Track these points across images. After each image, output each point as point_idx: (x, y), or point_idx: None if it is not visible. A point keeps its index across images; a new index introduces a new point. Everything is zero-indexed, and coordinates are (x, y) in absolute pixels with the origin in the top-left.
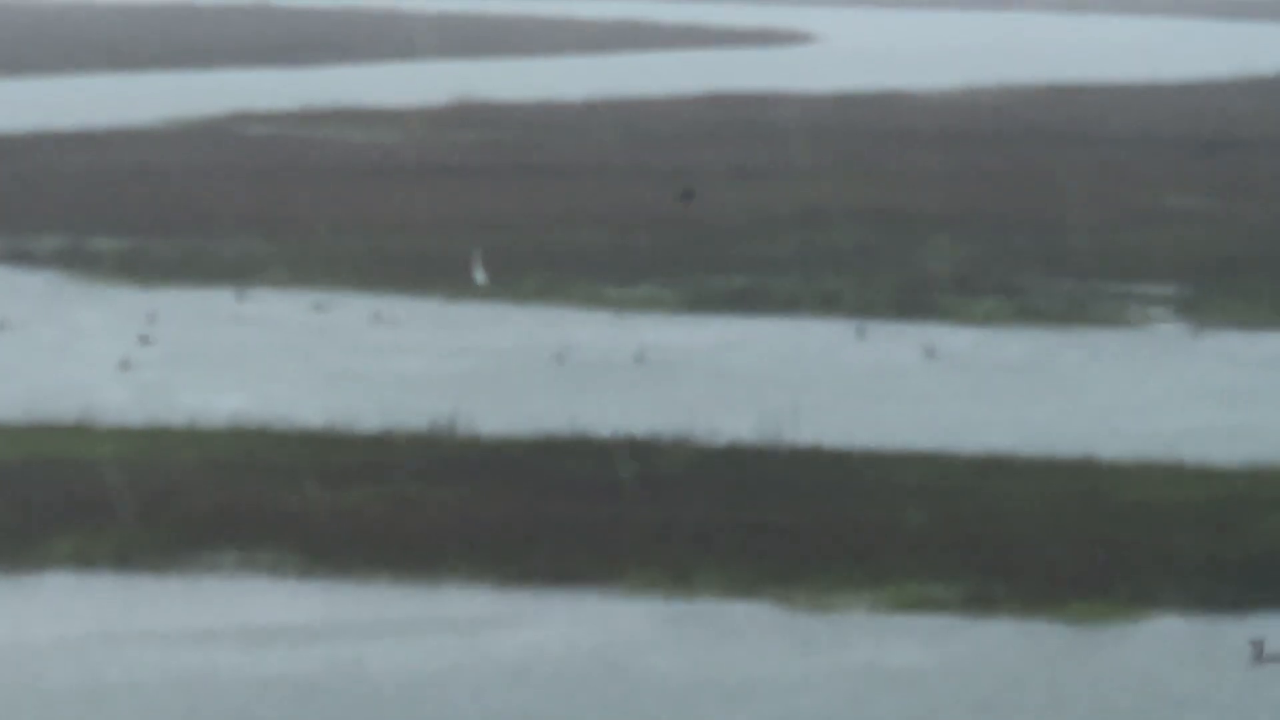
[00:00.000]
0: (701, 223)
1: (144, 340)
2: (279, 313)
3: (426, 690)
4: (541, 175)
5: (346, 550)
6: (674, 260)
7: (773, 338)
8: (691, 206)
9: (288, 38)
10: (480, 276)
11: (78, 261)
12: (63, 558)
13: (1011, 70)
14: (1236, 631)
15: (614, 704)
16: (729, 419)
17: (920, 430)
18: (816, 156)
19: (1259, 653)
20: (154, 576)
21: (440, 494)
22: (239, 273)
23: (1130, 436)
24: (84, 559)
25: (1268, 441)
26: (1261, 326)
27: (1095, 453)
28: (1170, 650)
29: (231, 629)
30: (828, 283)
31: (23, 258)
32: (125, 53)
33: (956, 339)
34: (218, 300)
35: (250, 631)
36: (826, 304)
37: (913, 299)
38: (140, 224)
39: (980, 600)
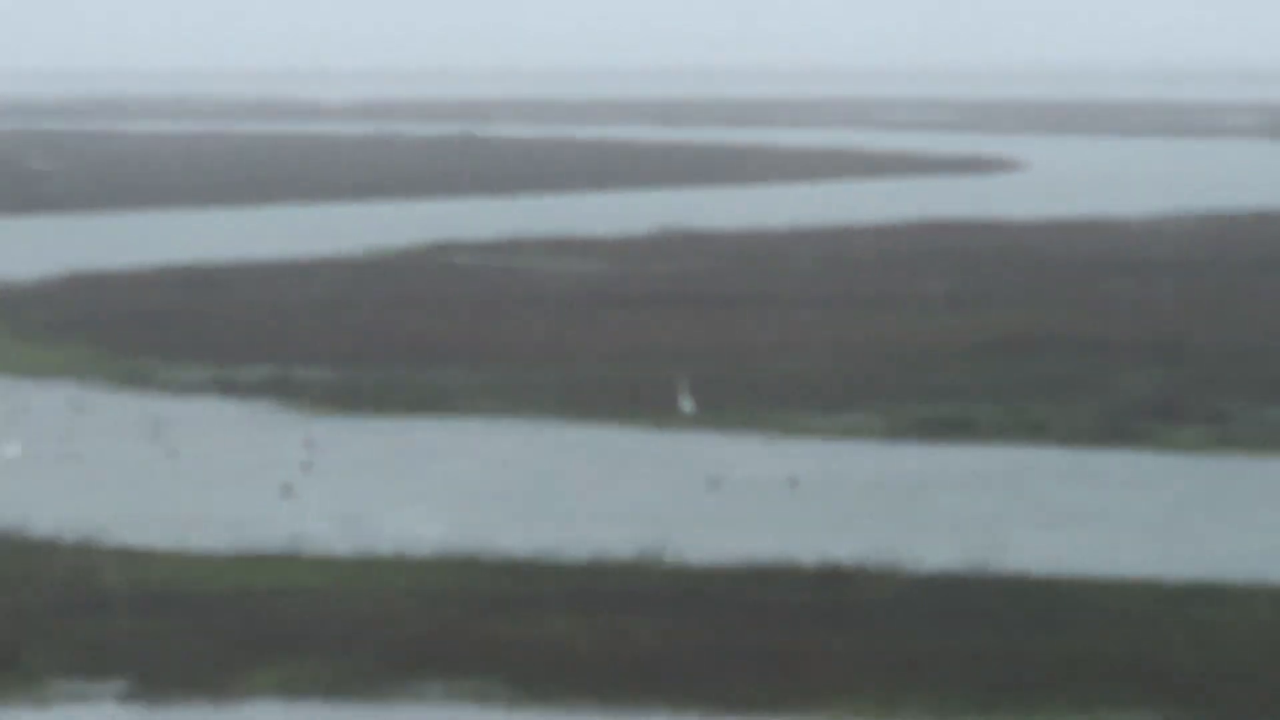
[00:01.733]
0: (906, 351)
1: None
2: (484, 442)
3: None
4: (747, 304)
5: (553, 680)
6: (879, 388)
7: (978, 465)
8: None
9: (493, 168)
10: (687, 405)
11: (285, 391)
12: (270, 687)
13: (1218, 197)
14: None
15: None
16: (934, 547)
17: (1126, 557)
18: (1022, 283)
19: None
20: (361, 706)
21: (647, 623)
22: (445, 403)
23: None
24: (291, 688)
25: None
26: None
27: None
28: None
29: None
30: (1032, 411)
31: (231, 388)
32: (332, 183)
33: (1159, 466)
34: (424, 431)
35: None
36: (1031, 431)
37: (1117, 427)
38: (346, 354)
39: None
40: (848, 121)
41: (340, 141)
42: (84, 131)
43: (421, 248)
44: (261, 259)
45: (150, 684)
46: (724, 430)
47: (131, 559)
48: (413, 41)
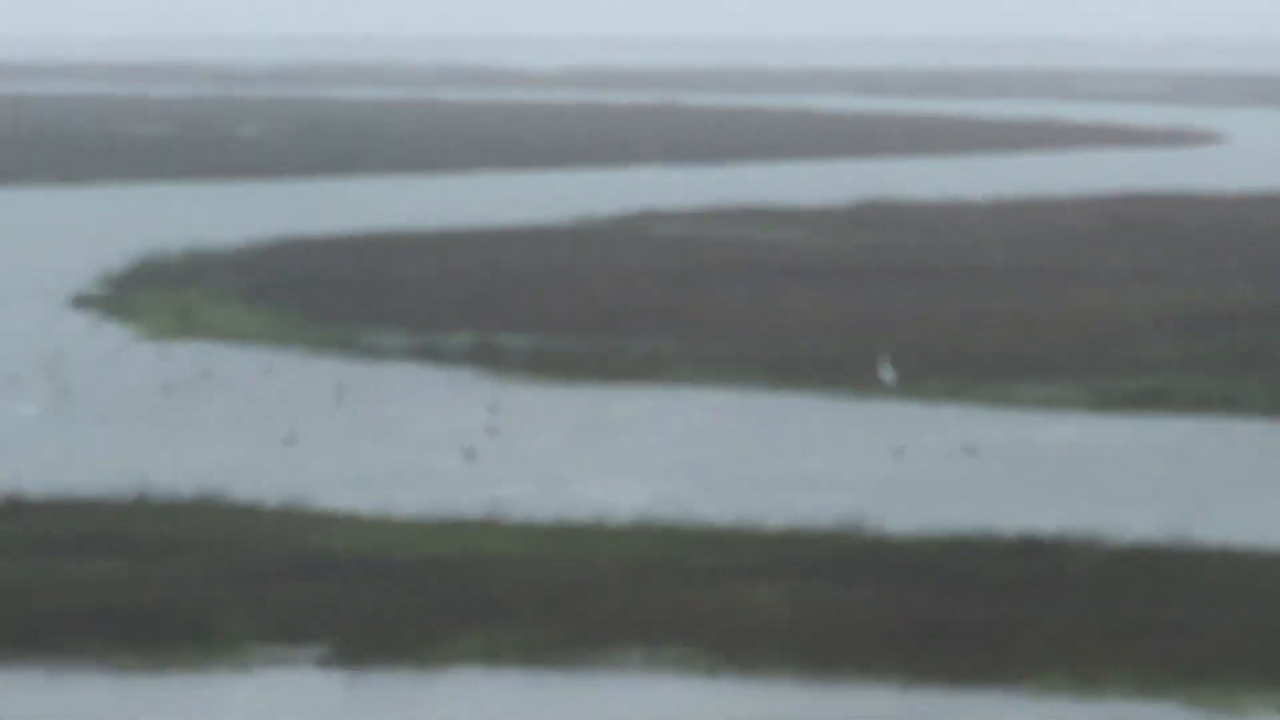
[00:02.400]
0: (1104, 323)
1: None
2: (681, 410)
3: None
4: (948, 276)
5: (753, 648)
6: (1080, 360)
7: (1177, 436)
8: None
9: (696, 137)
10: (888, 376)
11: (485, 358)
12: (471, 654)
13: None
14: None
15: None
16: (1136, 519)
17: None
18: (1223, 257)
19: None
20: (561, 673)
21: (846, 593)
22: (644, 372)
23: None
24: (492, 655)
25: None
26: None
27: None
28: None
29: None
30: (1231, 383)
31: (431, 354)
32: (537, 151)
33: None
34: (622, 399)
35: None
36: (1230, 404)
37: None
38: (549, 322)
39: None
40: (1049, 93)
41: (546, 109)
42: (289, 98)
43: (627, 216)
44: (465, 226)
45: (351, 649)
46: (924, 400)
47: (332, 523)
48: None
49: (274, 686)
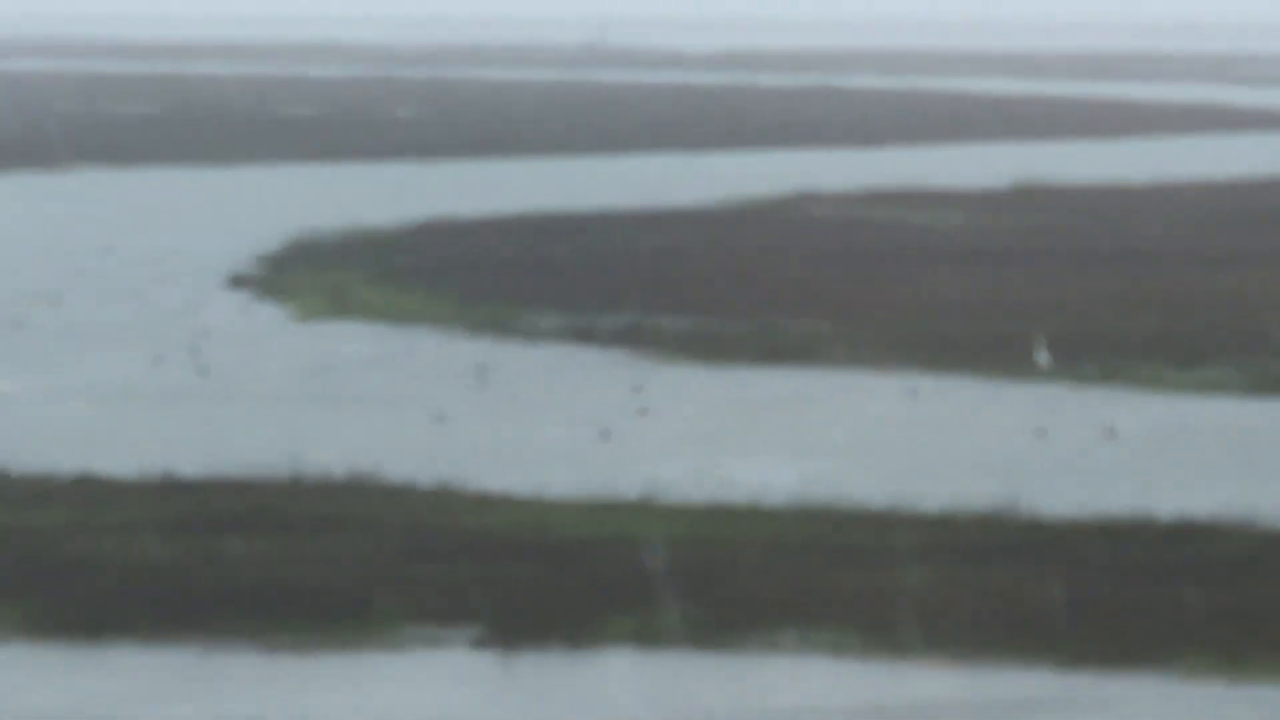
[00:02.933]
0: (1264, 308)
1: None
2: (835, 392)
3: None
4: (1105, 259)
5: (907, 631)
6: (1237, 343)
7: None
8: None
9: (852, 119)
10: (1043, 359)
11: (640, 339)
12: (624, 635)
13: None
14: None
15: None
16: None
17: None
18: None
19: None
20: (715, 655)
21: (1001, 576)
22: (800, 353)
23: None
24: (645, 637)
25: None
26: None
27: None
28: None
29: (790, 709)
30: None
31: (589, 336)
32: (689, 132)
33: None
34: (777, 380)
35: (805, 711)
36: None
37: None
38: (704, 303)
39: None
40: (1209, 76)
41: (698, 90)
42: (442, 79)
43: (782, 198)
44: (621, 207)
45: (505, 630)
46: (1078, 383)
47: (485, 504)
48: None
49: (427, 667)
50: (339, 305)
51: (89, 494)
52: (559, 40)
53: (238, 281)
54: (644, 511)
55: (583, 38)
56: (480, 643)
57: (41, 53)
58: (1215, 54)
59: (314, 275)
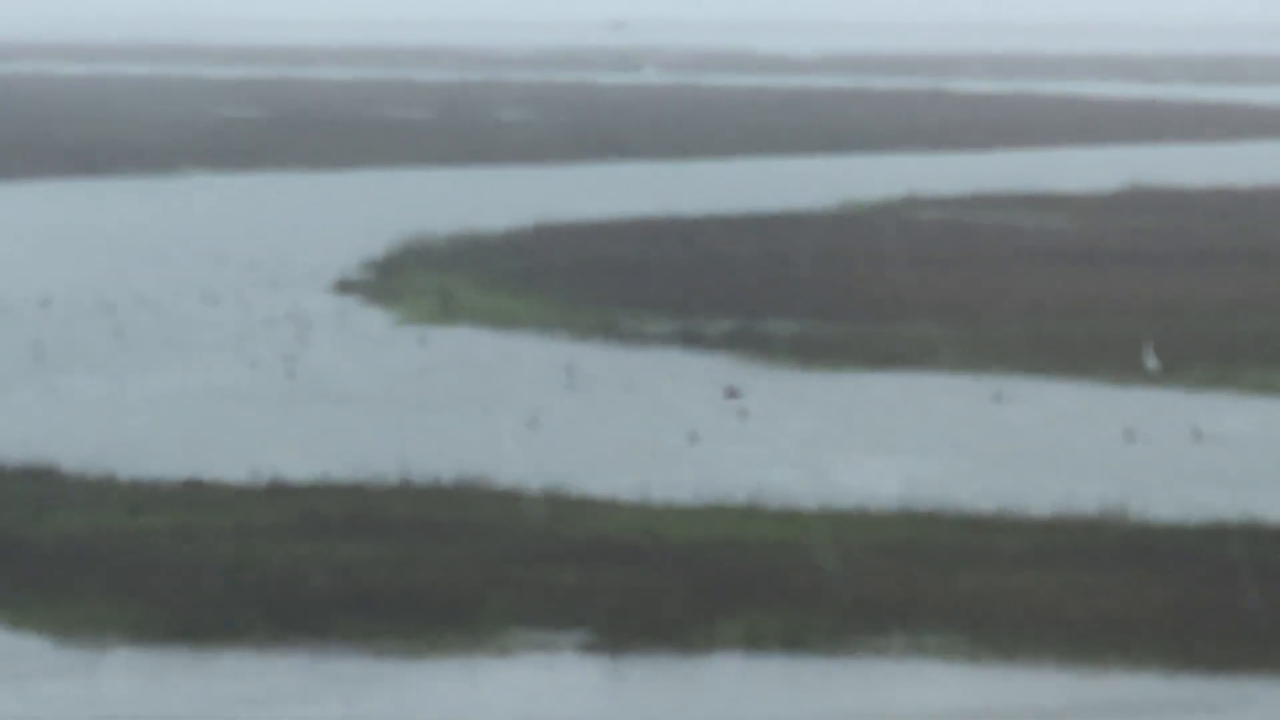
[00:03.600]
0: None
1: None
2: (944, 397)
3: None
4: (1215, 262)
5: (1015, 635)
6: None
7: None
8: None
9: (961, 122)
10: (1152, 362)
11: (748, 344)
12: (733, 640)
13: None
14: None
15: None
16: None
17: None
18: None
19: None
20: (824, 660)
21: (1110, 580)
22: (910, 357)
23: None
24: (754, 641)
25: None
26: None
27: None
28: None
29: (900, 713)
30: None
31: (695, 340)
32: (801, 136)
33: None
34: (883, 384)
35: (919, 714)
36: None
37: None
38: (812, 308)
39: None
40: None
41: (805, 94)
42: (550, 82)
43: (891, 202)
44: (729, 211)
45: (613, 635)
46: (1189, 387)
47: (591, 508)
48: None
49: (536, 672)
50: (445, 310)
51: (197, 499)
52: (668, 43)
53: (345, 286)
54: (752, 516)
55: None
56: (589, 648)
57: (150, 57)
58: None
59: (421, 279)
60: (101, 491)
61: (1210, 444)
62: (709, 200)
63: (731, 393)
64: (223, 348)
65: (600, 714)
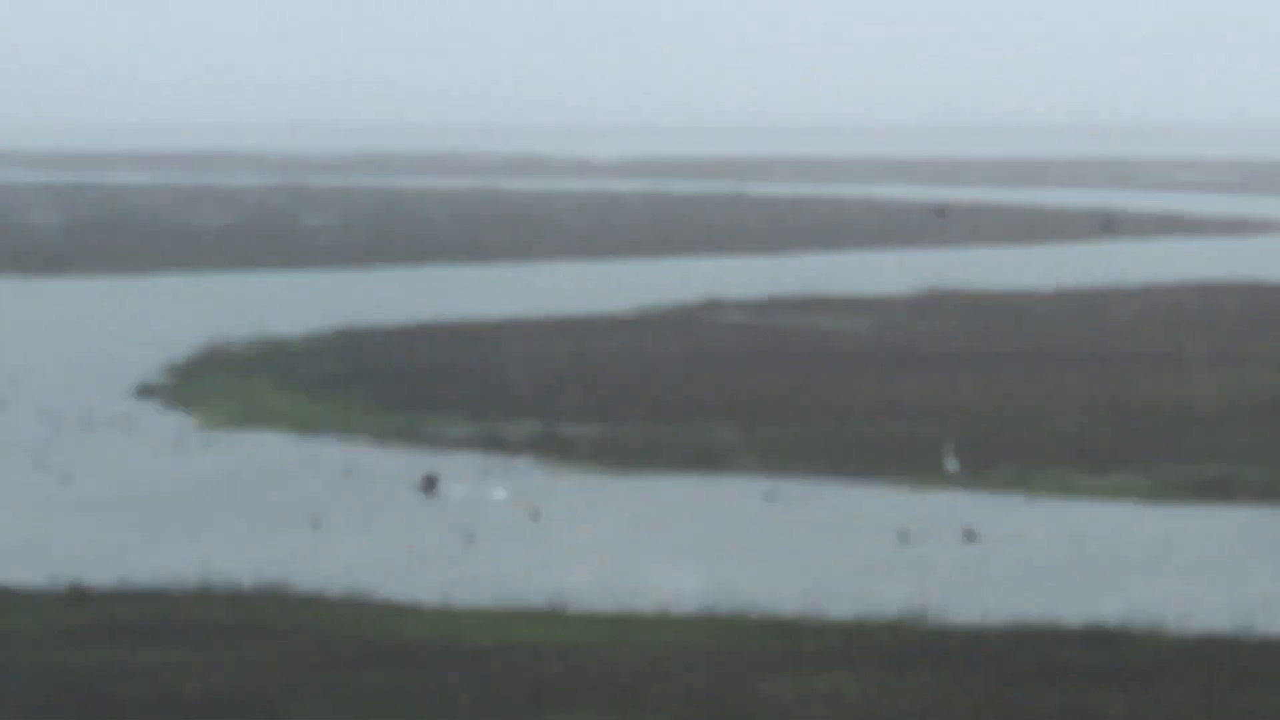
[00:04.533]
0: (1170, 412)
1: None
2: (742, 500)
3: None
4: (1012, 363)
5: None
6: (1147, 448)
7: (1247, 526)
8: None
9: (760, 225)
10: (952, 464)
11: (551, 448)
12: None
13: None
14: None
15: None
16: (1199, 608)
17: None
18: None
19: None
20: None
21: (914, 682)
22: (708, 460)
23: None
24: None
25: None
26: None
27: None
28: None
29: None
30: None
31: (497, 444)
32: (600, 240)
33: None
34: (679, 488)
35: None
36: None
37: None
38: (613, 410)
39: None
40: (1113, 182)
41: (606, 198)
42: (354, 187)
43: (690, 305)
44: (529, 315)
45: None
46: (988, 489)
47: (395, 613)
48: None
49: None
50: (246, 414)
51: None
52: (471, 148)
53: (145, 390)
54: (555, 620)
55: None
56: None
57: None
58: (1117, 159)
59: (225, 384)
60: None
61: (984, 545)
62: (510, 303)
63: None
64: (11, 453)
65: None
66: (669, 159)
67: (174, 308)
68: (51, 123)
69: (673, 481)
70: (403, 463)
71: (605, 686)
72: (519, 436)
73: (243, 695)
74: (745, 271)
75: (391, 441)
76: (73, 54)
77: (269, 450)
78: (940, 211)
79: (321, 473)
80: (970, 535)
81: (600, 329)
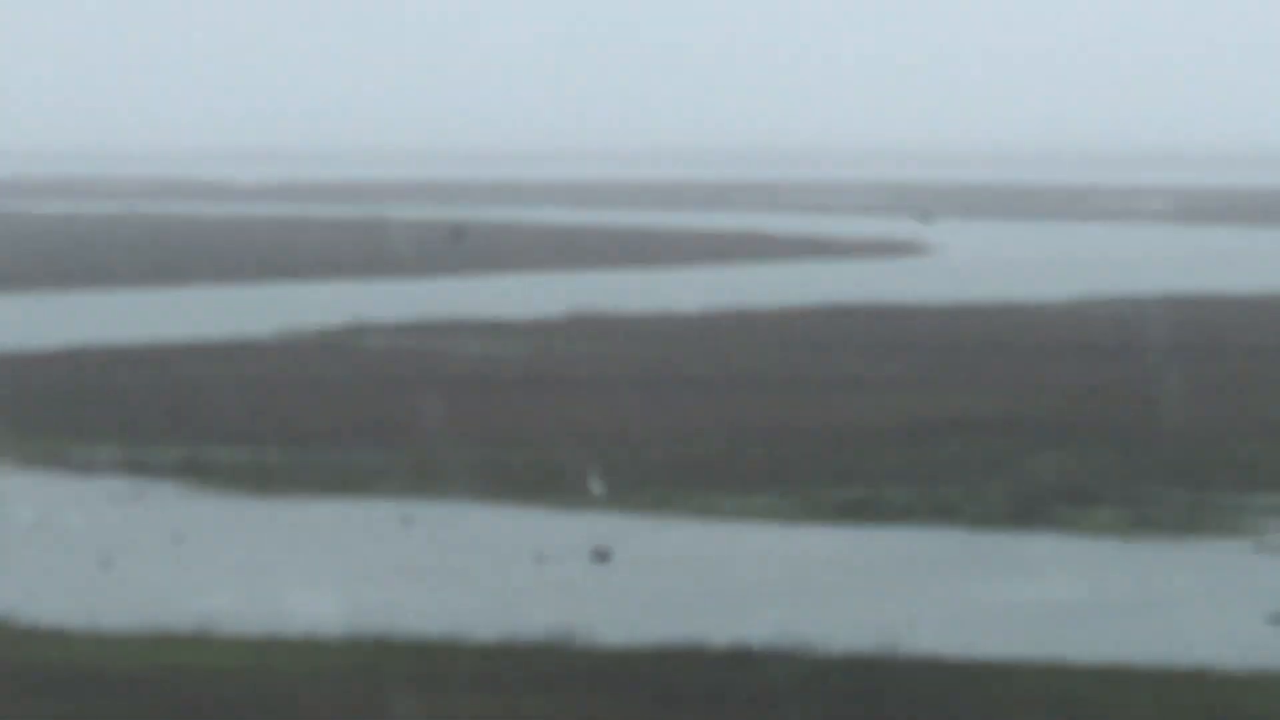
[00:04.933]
0: (815, 434)
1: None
2: (381, 524)
3: None
4: (660, 387)
5: None
6: (789, 470)
7: (886, 547)
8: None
9: (404, 249)
10: (597, 487)
11: (195, 471)
12: None
13: (1127, 281)
14: None
15: None
16: (842, 628)
17: (1040, 639)
18: (930, 367)
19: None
20: None
21: (558, 705)
22: (351, 484)
23: (1249, 647)
24: None
25: None
26: None
27: (1211, 664)
28: None
29: None
30: (942, 493)
31: (143, 468)
32: (244, 264)
33: (1071, 549)
34: (321, 512)
35: None
36: (941, 514)
37: (1029, 509)
38: (259, 435)
39: None
40: (758, 204)
41: (253, 222)
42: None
43: (335, 329)
44: (173, 340)
45: None
46: (633, 512)
47: (39, 638)
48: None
49: None
50: None
51: None
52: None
53: None
54: (201, 644)
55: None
56: None
57: None
58: (764, 182)
59: None
60: None
61: (621, 567)
62: (150, 328)
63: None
64: None
65: None
66: (308, 183)
67: None
68: None
69: (316, 505)
70: (54, 488)
71: (249, 712)
72: (164, 460)
73: None
74: (389, 295)
75: (36, 466)
76: None
77: None
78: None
79: None
80: (603, 556)
81: (245, 353)
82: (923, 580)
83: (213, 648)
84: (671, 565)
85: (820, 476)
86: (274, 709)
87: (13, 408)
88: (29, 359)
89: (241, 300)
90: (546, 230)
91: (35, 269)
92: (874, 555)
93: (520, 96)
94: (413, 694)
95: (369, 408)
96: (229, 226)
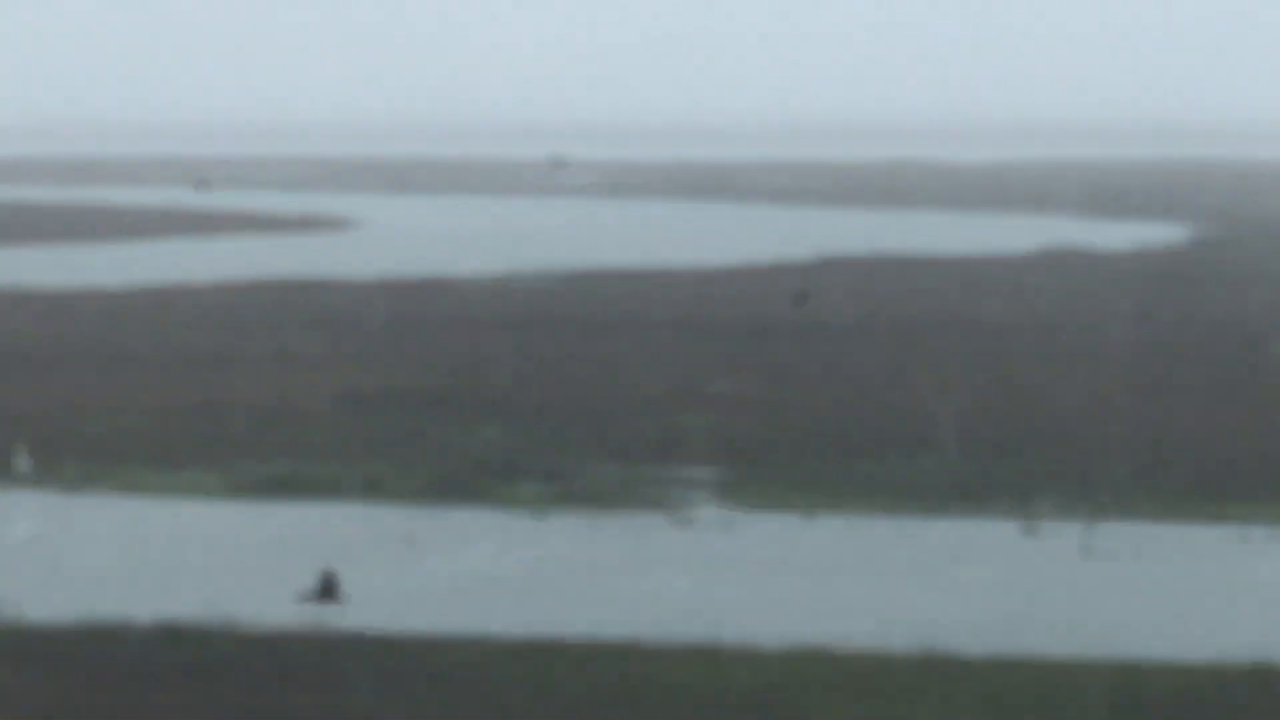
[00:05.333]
0: (248, 409)
1: None
2: None
3: None
4: (88, 363)
5: None
6: (219, 446)
7: (311, 522)
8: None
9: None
10: (24, 464)
11: None
12: None
13: (550, 256)
14: None
15: None
16: (275, 604)
17: (479, 612)
18: (357, 343)
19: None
20: None
21: None
22: None
23: (673, 622)
24: None
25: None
26: (795, 509)
27: (639, 637)
28: None
29: None
30: (369, 468)
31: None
32: None
33: (495, 522)
34: None
35: None
36: (368, 489)
37: (455, 484)
38: None
39: None
40: (183, 180)
41: None
42: None
43: None
44: None
45: None
46: (59, 488)
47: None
48: None
49: None
50: None
51: None
52: None
53: None
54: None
55: None
56: None
57: None
58: (182, 158)
59: None
60: None
61: (36, 543)
62: None
63: None
64: None
65: None
66: None
67: None
68: None
69: None
70: None
71: None
72: None
73: None
74: None
75: None
76: None
77: None
78: None
79: None
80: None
81: None
82: (347, 555)
83: None
84: (95, 542)
85: (247, 452)
86: None
87: None
88: None
89: None
90: None
91: None
92: (298, 531)
93: None
94: None
95: None
96: None
